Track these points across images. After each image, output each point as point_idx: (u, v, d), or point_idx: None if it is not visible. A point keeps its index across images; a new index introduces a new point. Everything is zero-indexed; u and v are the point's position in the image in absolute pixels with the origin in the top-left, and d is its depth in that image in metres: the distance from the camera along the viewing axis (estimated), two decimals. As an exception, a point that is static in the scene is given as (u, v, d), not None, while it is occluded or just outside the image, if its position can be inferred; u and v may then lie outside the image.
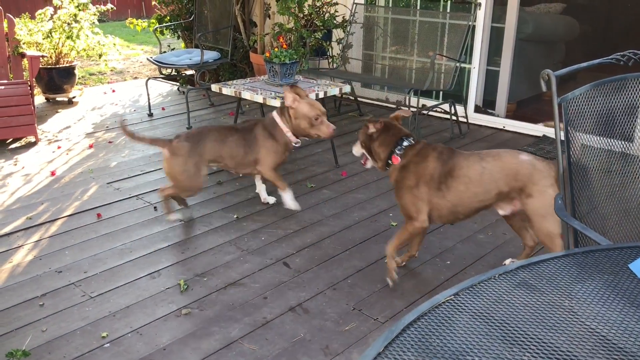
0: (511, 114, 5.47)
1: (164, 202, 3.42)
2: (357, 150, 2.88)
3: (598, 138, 1.94)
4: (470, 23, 4.97)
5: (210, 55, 5.69)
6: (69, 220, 3.48)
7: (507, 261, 3.00)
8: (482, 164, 2.55)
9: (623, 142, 1.94)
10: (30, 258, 3.05)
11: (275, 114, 3.44)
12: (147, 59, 6.00)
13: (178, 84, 6.87)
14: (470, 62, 5.39)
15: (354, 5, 5.65)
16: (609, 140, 1.93)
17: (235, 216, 3.55)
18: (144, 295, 2.73)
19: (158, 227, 3.40)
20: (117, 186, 3.99)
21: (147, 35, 10.64)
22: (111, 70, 8.12)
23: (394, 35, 5.83)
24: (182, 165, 3.24)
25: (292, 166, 4.37)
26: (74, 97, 6.25)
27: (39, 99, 6.17)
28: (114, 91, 6.79)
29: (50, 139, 5.01)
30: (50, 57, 6.00)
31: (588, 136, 1.93)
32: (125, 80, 7.56)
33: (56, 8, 6.01)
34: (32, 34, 5.72)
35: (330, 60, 5.78)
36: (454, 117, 5.09)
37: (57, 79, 6.04)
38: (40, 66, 5.59)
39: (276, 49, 4.23)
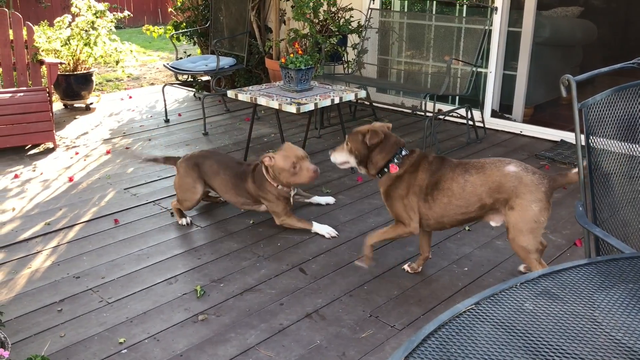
0: (528, 119, 5.42)
1: (175, 211, 3.58)
2: (339, 156, 2.87)
3: (620, 143, 1.92)
4: (486, 27, 4.94)
5: (226, 61, 5.72)
6: (87, 226, 3.51)
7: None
8: (466, 176, 2.58)
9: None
10: (49, 264, 3.08)
11: (263, 169, 3.38)
12: (164, 65, 6.05)
13: (194, 90, 6.92)
14: (486, 67, 5.36)
15: (369, 10, 5.65)
16: (631, 146, 1.90)
17: (251, 222, 3.55)
18: (161, 301, 2.73)
19: (175, 233, 3.42)
20: (134, 192, 4.01)
21: (163, 42, 10.74)
22: (128, 77, 8.20)
23: (409, 40, 5.81)
24: (181, 180, 3.54)
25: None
26: (91, 104, 6.32)
27: (57, 105, 6.25)
28: (130, 97, 6.85)
29: (68, 145, 5.07)
30: (68, 64, 6.08)
31: (609, 141, 1.91)
32: (142, 87, 7.62)
33: (74, 16, 6.09)
34: (50, 41, 5.79)
35: (345, 65, 5.77)
36: (470, 122, 5.06)
37: (74, 86, 6.11)
38: (59, 73, 5.66)
39: (292, 55, 4.24)
